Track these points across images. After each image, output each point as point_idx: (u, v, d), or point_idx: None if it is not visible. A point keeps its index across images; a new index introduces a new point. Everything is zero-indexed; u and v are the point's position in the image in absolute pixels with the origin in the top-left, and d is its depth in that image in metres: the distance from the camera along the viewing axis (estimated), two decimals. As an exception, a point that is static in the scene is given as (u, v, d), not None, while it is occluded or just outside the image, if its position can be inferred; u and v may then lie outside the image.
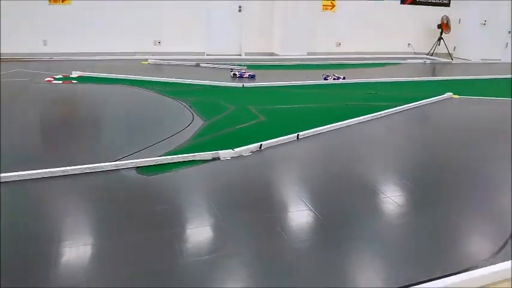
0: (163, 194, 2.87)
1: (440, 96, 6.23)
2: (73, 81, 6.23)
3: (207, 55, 9.48)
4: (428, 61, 10.54)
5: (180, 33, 9.15)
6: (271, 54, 10.08)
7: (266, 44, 10.08)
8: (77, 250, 2.16)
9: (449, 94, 6.39)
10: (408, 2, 11.21)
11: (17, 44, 8.07)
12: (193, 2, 9.05)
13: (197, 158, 3.41)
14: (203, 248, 2.27)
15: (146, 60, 8.27)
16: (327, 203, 2.86)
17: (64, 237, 2.27)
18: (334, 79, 7.22)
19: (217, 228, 2.46)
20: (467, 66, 10.53)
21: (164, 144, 3.74)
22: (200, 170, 3.28)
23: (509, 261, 2.23)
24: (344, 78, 7.31)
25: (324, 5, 10.31)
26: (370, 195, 3.02)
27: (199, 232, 2.41)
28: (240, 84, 6.42)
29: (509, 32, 11.28)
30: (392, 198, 2.97)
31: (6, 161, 3.21)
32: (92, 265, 2.07)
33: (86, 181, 2.98)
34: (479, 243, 2.54)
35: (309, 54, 10.20)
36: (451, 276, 2.10)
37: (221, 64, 8.24)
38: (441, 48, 11.31)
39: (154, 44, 9.08)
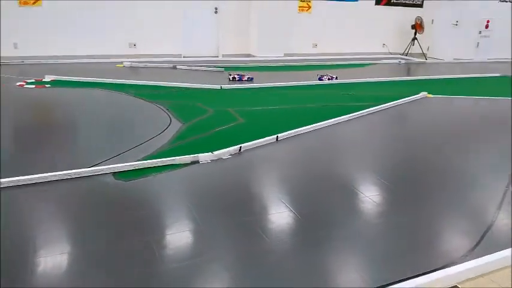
0: (142, 199, 2.82)
1: (415, 96, 6.34)
2: (46, 86, 6.08)
3: (183, 57, 9.40)
4: (403, 61, 10.72)
5: (156, 35, 9.05)
6: (248, 55, 10.08)
7: (243, 45, 10.07)
8: (53, 260, 2.10)
9: (424, 93, 6.51)
10: (383, 3, 11.39)
11: (-15, 48, 7.83)
12: (169, 4, 8.96)
13: (176, 162, 3.37)
14: (183, 254, 2.24)
15: (121, 63, 8.15)
16: (307, 204, 2.87)
17: (39, 247, 2.20)
18: (328, 79, 7.36)
19: (197, 233, 2.43)
20: (441, 65, 10.76)
21: (142, 148, 3.69)
22: (179, 174, 3.24)
23: (485, 257, 2.29)
24: (336, 78, 7.48)
25: (300, 7, 10.37)
26: (349, 195, 3.04)
27: (179, 237, 2.38)
28: (218, 86, 6.39)
29: (480, 32, 11.57)
30: (371, 198, 3.00)
31: (-23, 169, 3.10)
32: (69, 275, 2.02)
33: (61, 188, 2.90)
34: (455, 241, 2.59)
35: (286, 55, 10.24)
36: (428, 274, 2.14)
37: (198, 66, 8.19)
38: (415, 48, 11.52)
39: (130, 47, 8.95)
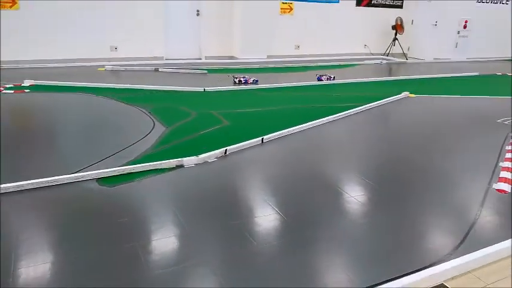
0: (127, 205, 2.78)
1: (397, 96, 6.42)
2: (25, 91, 5.95)
3: (166, 60, 9.33)
4: (384, 61, 10.84)
5: (137, 38, 8.96)
6: (231, 57, 10.06)
7: (226, 47, 10.04)
8: (35, 270, 2.05)
9: (406, 93, 6.59)
10: (363, 4, 11.50)
11: (-39, 52, 7.63)
12: (151, 6, 8.89)
13: (161, 166, 3.33)
14: (170, 259, 2.21)
15: (103, 66, 8.04)
16: (293, 205, 2.87)
17: (20, 257, 2.15)
18: (327, 79, 7.51)
19: (183, 238, 2.41)
20: (421, 65, 10.92)
21: (125, 153, 3.64)
22: (164, 178, 3.21)
23: (470, 255, 2.32)
24: (334, 78, 7.61)
25: (282, 8, 10.40)
26: (335, 195, 3.05)
27: (165, 243, 2.35)
28: (201, 89, 6.36)
29: (458, 32, 11.79)
30: (356, 198, 3.02)
31: (-45, 177, 3.01)
32: (53, 285, 1.97)
33: (43, 196, 2.84)
34: (440, 239, 2.62)
35: (268, 57, 10.25)
36: (415, 273, 2.16)
37: (181, 68, 8.14)
38: (396, 49, 11.67)
39: (111, 50, 8.83)
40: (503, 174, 3.51)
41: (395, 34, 11.56)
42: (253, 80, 7.03)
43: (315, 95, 6.50)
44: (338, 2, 11.03)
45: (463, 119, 5.49)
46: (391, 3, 11.90)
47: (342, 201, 2.98)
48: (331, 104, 5.80)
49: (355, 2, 11.37)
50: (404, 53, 11.76)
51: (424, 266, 2.23)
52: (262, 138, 4.07)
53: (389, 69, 10.13)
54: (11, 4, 7.84)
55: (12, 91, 5.89)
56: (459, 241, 2.51)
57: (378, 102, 5.95)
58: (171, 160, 3.39)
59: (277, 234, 2.52)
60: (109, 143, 3.93)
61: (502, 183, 3.34)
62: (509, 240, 2.49)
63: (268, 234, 2.52)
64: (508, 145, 4.27)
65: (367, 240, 2.51)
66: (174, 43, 9.49)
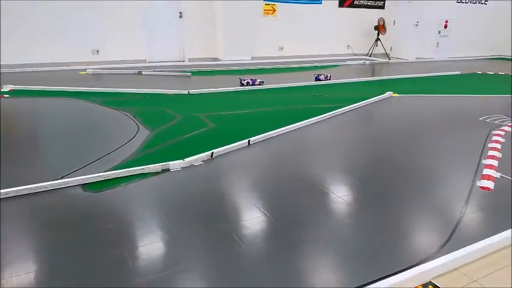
0: (113, 211, 2.74)
1: (381, 96, 6.48)
2: (5, 96, 5.83)
3: (148, 62, 9.26)
4: (367, 62, 10.94)
5: (120, 41, 8.86)
6: (215, 59, 10.03)
7: (209, 49, 10.01)
8: (18, 280, 2.00)
9: (389, 93, 6.66)
10: (346, 4, 11.59)
11: None
12: (132, 8, 8.80)
13: (146, 171, 3.29)
14: (158, 265, 2.18)
15: (85, 70, 7.93)
16: (281, 207, 2.86)
17: (5, 267, 2.09)
18: (325, 78, 7.75)
19: (171, 243, 2.38)
20: (404, 65, 11.05)
21: (110, 158, 3.58)
22: (150, 183, 3.17)
23: (456, 252, 2.34)
24: (330, 77, 7.78)
25: (265, 10, 10.41)
26: (322, 196, 3.06)
27: (153, 248, 2.32)
28: (185, 91, 6.32)
29: (439, 32, 11.97)
30: (343, 198, 3.03)
31: None
32: (37, 295, 1.93)
33: (27, 203, 2.78)
34: (427, 237, 2.64)
35: (253, 58, 10.25)
36: (403, 272, 2.17)
37: (164, 71, 8.08)
38: (379, 49, 11.80)
39: (93, 53, 8.73)
40: (486, 171, 3.57)
41: (378, 34, 11.69)
42: (259, 82, 7.07)
43: (299, 96, 6.51)
44: (321, 3, 11.10)
45: (446, 118, 5.57)
46: (373, 4, 12.03)
47: (329, 201, 2.99)
48: (316, 105, 5.83)
49: (337, 3, 11.45)
50: (386, 53, 11.89)
51: (411, 264, 2.25)
52: (249, 140, 4.06)
53: (373, 69, 10.23)
54: (-12, 8, 7.68)
55: (-8, 96, 5.77)
56: (445, 239, 2.53)
57: (362, 102, 6.00)
58: (156, 164, 3.35)
59: (265, 237, 2.51)
60: (93, 148, 3.87)
61: (486, 180, 3.39)
62: (494, 236, 2.52)
63: (257, 236, 2.50)
64: (491, 143, 4.34)
65: (355, 240, 2.52)
66: (157, 45, 9.42)
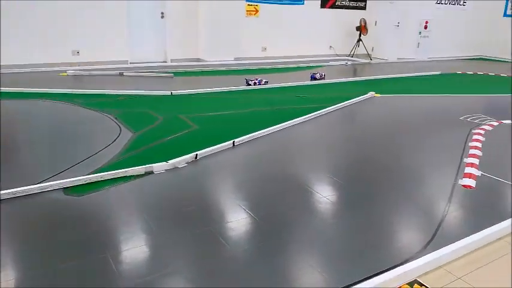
0: (96, 215, 2.68)
1: (364, 96, 6.53)
2: (-18, 98, 5.68)
3: (130, 63, 9.14)
4: (349, 62, 11.03)
5: (100, 41, 8.73)
6: (198, 60, 9.97)
7: (192, 50, 9.94)
8: (-1, 288, 1.94)
9: (372, 93, 6.72)
10: (328, 5, 11.66)
11: None
12: (113, 8, 8.68)
13: (129, 174, 3.24)
14: (144, 269, 2.15)
15: (65, 71, 7.79)
16: (266, 208, 2.85)
17: (-17, 275, 2.03)
18: (320, 77, 8.04)
19: (156, 247, 2.35)
20: (385, 65, 11.18)
21: (92, 161, 3.52)
22: (133, 186, 3.12)
23: (440, 250, 2.37)
24: (324, 76, 8.07)
25: (247, 11, 10.40)
26: (307, 196, 3.06)
27: (138, 252, 2.28)
28: (168, 92, 6.26)
29: (420, 32, 12.15)
30: (328, 198, 3.04)
31: None
32: (18, 303, 1.87)
33: (7, 208, 2.70)
34: (411, 236, 2.67)
35: (236, 59, 10.23)
36: (388, 271, 2.18)
37: (146, 72, 7.99)
38: (361, 50, 11.91)
39: (73, 54, 8.57)
40: (468, 170, 3.62)
41: (360, 35, 11.79)
42: (265, 81, 7.22)
43: (283, 96, 6.52)
44: (303, 3, 11.14)
45: (428, 117, 5.64)
46: (355, 5, 12.13)
47: (314, 201, 2.99)
48: (300, 106, 5.83)
49: (319, 4, 11.51)
50: (368, 54, 12.01)
51: (397, 263, 2.26)
52: (234, 142, 4.04)
53: (355, 69, 10.31)
54: (-36, 8, 7.48)
55: (-32, 99, 5.61)
56: (430, 237, 2.56)
57: (345, 102, 6.03)
58: (140, 167, 3.31)
59: (251, 237, 2.50)
60: (74, 150, 3.80)
61: (467, 178, 3.44)
62: (477, 234, 2.56)
63: (242, 237, 2.49)
64: (471, 141, 4.42)
65: (340, 240, 2.53)
66: (139, 46, 9.32)
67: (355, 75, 9.46)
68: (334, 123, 5.19)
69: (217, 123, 4.88)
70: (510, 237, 2.63)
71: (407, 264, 2.24)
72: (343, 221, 2.76)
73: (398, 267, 2.22)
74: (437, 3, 12.47)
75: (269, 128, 4.53)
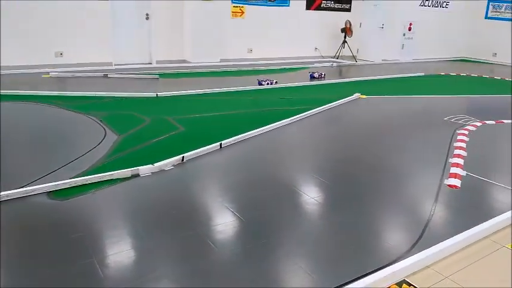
0: (81, 219, 2.64)
1: (349, 97, 6.57)
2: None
3: (115, 65, 9.04)
4: (335, 64, 11.09)
5: (84, 43, 8.61)
6: (183, 61, 9.91)
7: (177, 51, 9.88)
8: (-19, 295, 1.89)
9: (357, 94, 6.76)
10: (313, 7, 11.71)
11: None
12: (97, 9, 8.58)
13: (115, 177, 3.19)
14: (130, 274, 2.12)
15: (48, 73, 7.66)
16: (253, 210, 2.84)
17: (-36, 282, 1.98)
18: (319, 75, 8.43)
19: (143, 251, 2.31)
20: (370, 67, 11.27)
21: (76, 164, 3.46)
22: (119, 189, 3.08)
23: (428, 249, 2.39)
24: (324, 75, 8.43)
25: (233, 12, 10.38)
26: (295, 197, 3.06)
27: (124, 257, 2.25)
28: (153, 94, 6.20)
29: (404, 34, 12.29)
30: (315, 199, 3.04)
31: None
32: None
33: (-14, 213, 2.64)
34: (399, 236, 2.69)
35: (222, 61, 10.20)
36: (376, 272, 2.19)
37: (131, 73, 7.91)
38: (346, 51, 11.98)
39: (56, 56, 8.44)
40: (453, 170, 3.67)
41: (345, 37, 11.87)
42: (275, 82, 7.45)
43: (268, 98, 6.52)
44: (288, 5, 11.17)
45: (413, 118, 5.70)
46: (340, 7, 12.21)
47: (302, 202, 2.99)
48: (286, 107, 5.84)
49: (305, 5, 11.55)
50: (353, 55, 12.09)
51: (385, 264, 2.27)
52: (221, 143, 4.02)
53: (340, 71, 10.37)
54: None
55: None
56: (417, 237, 2.58)
57: (331, 104, 6.06)
58: (125, 170, 3.26)
59: (239, 240, 2.48)
60: (59, 153, 3.73)
61: (453, 178, 3.48)
62: (463, 233, 2.59)
63: (230, 240, 2.48)
64: (456, 142, 4.47)
65: (328, 241, 2.54)
66: (124, 48, 9.22)
67: (340, 76, 9.52)
68: (320, 125, 5.21)
69: (204, 125, 4.85)
70: (495, 236, 2.67)
71: (396, 264, 2.25)
72: (331, 221, 2.77)
73: (387, 268, 2.23)
74: (420, 5, 12.63)
75: (256, 130, 4.52)
